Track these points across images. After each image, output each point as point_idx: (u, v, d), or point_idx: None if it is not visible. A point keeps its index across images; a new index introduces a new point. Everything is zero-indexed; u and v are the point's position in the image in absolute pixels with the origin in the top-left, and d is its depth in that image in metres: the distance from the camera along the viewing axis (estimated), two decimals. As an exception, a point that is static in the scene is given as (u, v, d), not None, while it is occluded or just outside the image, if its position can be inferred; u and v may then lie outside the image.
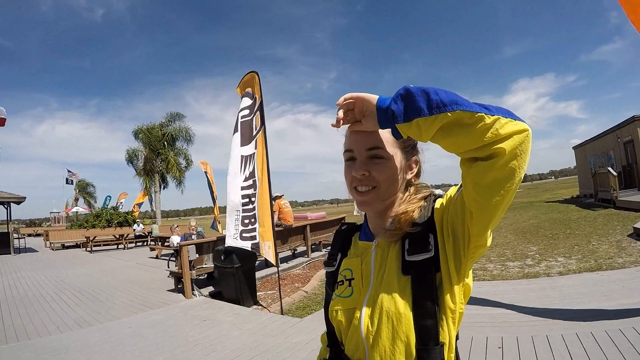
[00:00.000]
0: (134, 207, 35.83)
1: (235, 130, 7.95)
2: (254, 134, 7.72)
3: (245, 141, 7.81)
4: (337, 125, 1.07)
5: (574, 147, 33.93)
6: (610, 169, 19.21)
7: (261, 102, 7.68)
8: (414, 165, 1.23)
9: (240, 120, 7.95)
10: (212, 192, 17.61)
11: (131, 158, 36.30)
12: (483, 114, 0.82)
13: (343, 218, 16.47)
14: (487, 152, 0.84)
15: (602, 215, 15.63)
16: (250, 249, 7.38)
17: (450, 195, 1.08)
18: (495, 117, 0.82)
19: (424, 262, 1.05)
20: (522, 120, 0.84)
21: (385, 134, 1.12)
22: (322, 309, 1.39)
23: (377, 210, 1.21)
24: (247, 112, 7.91)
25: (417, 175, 1.26)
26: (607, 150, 25.64)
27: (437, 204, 1.12)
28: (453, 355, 1.09)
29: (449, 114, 0.84)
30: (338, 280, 1.25)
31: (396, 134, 0.99)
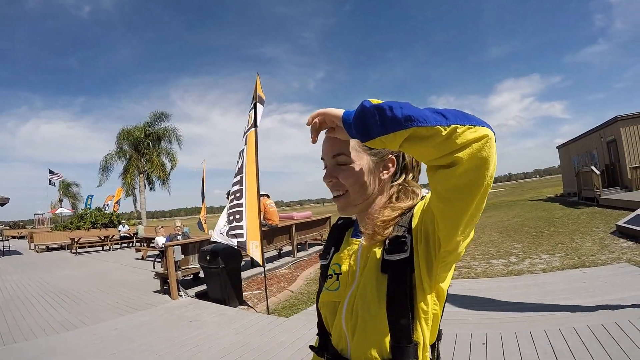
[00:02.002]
0: (114, 205, 35.60)
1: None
2: (246, 130, 7.65)
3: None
4: (313, 141, 1.13)
5: (558, 147, 34.21)
6: (593, 167, 19.47)
7: (259, 101, 7.56)
8: (390, 165, 1.22)
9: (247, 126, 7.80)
10: (203, 192, 17.56)
11: (107, 165, 35.87)
12: (438, 127, 0.81)
13: (329, 217, 16.50)
14: (447, 160, 0.83)
15: (585, 213, 15.83)
16: (236, 247, 7.35)
17: (427, 199, 1.08)
18: (452, 126, 0.80)
19: (400, 262, 1.07)
20: (484, 125, 0.82)
21: (347, 140, 1.15)
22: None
23: (356, 213, 1.26)
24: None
25: (406, 173, 1.25)
26: (590, 149, 25.89)
27: (417, 207, 1.14)
28: (428, 354, 1.11)
29: (405, 131, 0.84)
30: (328, 274, 1.30)
31: (364, 146, 1.02)
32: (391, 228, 1.13)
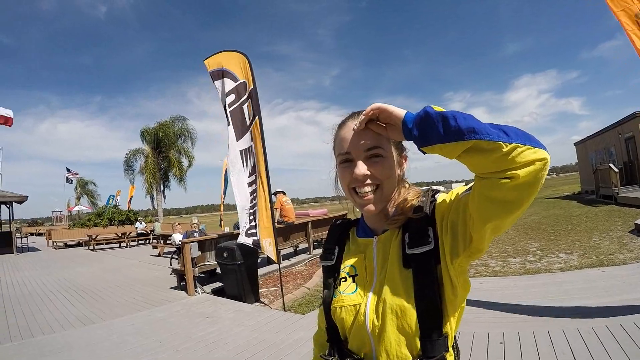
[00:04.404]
0: (128, 202, 35.94)
1: (228, 123, 7.62)
2: (248, 124, 7.35)
3: (239, 134, 7.54)
4: (359, 127, 1.10)
5: (575, 144, 33.85)
6: (611, 165, 19.19)
7: (253, 89, 7.19)
8: (403, 161, 1.24)
9: (229, 109, 7.55)
10: (225, 190, 17.67)
11: (129, 162, 36.31)
12: (500, 142, 0.83)
13: (345, 215, 16.45)
14: (502, 175, 0.85)
15: (603, 211, 15.63)
16: (252, 246, 7.35)
17: (457, 193, 1.09)
18: (513, 145, 0.82)
19: (424, 255, 1.06)
20: (542, 147, 0.84)
21: (380, 133, 1.13)
22: None
23: (381, 209, 1.20)
24: (233, 97, 7.46)
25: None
26: (608, 146, 25.57)
27: (440, 199, 1.14)
28: (452, 345, 1.11)
29: (466, 142, 0.86)
30: (340, 277, 1.25)
31: (420, 151, 1.00)
32: (413, 210, 1.15)
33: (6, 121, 21.84)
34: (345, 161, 1.18)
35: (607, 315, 4.76)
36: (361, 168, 1.13)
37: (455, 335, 1.15)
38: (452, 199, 1.09)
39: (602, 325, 4.39)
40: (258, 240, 7.15)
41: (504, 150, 0.82)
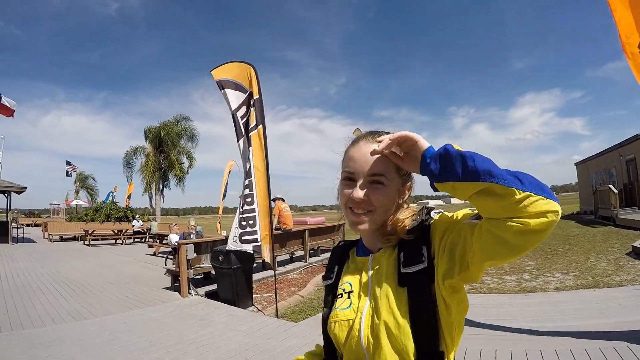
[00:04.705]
0: (126, 200, 35.94)
1: (240, 136, 7.61)
2: (249, 129, 7.35)
3: (240, 136, 7.58)
4: (374, 153, 1.09)
5: (576, 163, 33.93)
6: (611, 186, 19.22)
7: (258, 99, 7.30)
8: (406, 191, 1.25)
9: (241, 122, 7.57)
10: (225, 192, 17.68)
11: (129, 159, 36.44)
12: (514, 189, 0.84)
13: (343, 225, 16.46)
14: (514, 222, 0.86)
15: (601, 232, 15.64)
16: (251, 252, 7.30)
17: (458, 217, 1.09)
18: (527, 193, 0.83)
19: (418, 274, 1.07)
20: (555, 199, 0.85)
21: (389, 161, 1.14)
22: (317, 314, 1.40)
23: (370, 231, 1.23)
24: (244, 110, 7.52)
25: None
26: (609, 167, 25.63)
27: (438, 217, 1.15)
28: None
29: (481, 184, 0.88)
30: (337, 294, 1.26)
31: (433, 187, 1.02)
32: (406, 231, 1.16)
33: (8, 112, 21.81)
34: (349, 179, 1.19)
35: (601, 337, 4.76)
36: (359, 192, 1.14)
37: (454, 356, 1.14)
38: (455, 220, 1.09)
39: (595, 347, 4.39)
40: (259, 245, 7.10)
41: (516, 197, 0.84)
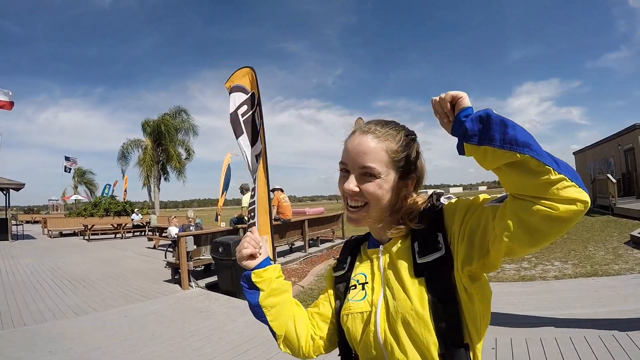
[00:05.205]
0: (123, 193, 35.95)
1: (241, 133, 7.61)
2: (258, 129, 7.47)
3: (253, 141, 7.62)
4: (439, 100, 0.98)
5: (574, 153, 33.96)
6: (609, 175, 19.26)
7: (259, 98, 7.42)
8: (410, 183, 1.19)
9: (242, 119, 7.63)
10: (227, 184, 17.63)
11: (125, 152, 36.39)
12: (551, 168, 0.79)
13: (341, 214, 16.45)
14: (540, 202, 0.81)
15: (600, 221, 15.69)
16: None
17: (478, 201, 1.03)
18: (562, 176, 0.79)
19: (436, 262, 1.03)
20: (586, 190, 0.80)
21: (382, 152, 1.11)
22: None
23: (368, 225, 1.22)
24: (245, 108, 7.58)
25: (417, 186, 1.22)
26: (607, 157, 25.67)
27: (453, 202, 1.10)
28: (480, 355, 1.06)
29: (518, 155, 0.82)
30: (350, 285, 1.23)
31: (460, 149, 0.95)
32: (415, 218, 1.12)
33: (5, 105, 21.64)
34: (344, 170, 1.17)
35: (600, 325, 4.78)
36: (351, 183, 1.13)
37: (481, 349, 1.08)
38: (475, 204, 1.03)
39: (595, 335, 4.41)
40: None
41: (551, 178, 0.79)
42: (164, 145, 35.36)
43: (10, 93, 21.55)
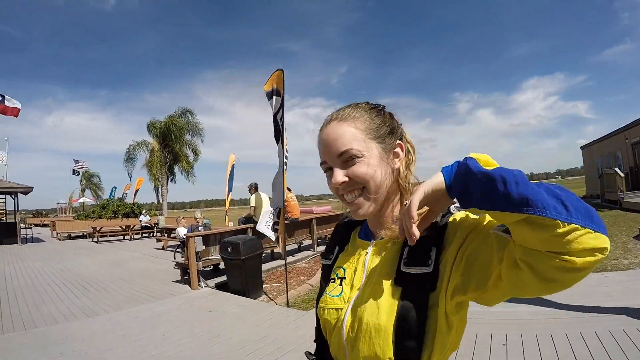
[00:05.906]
0: (134, 195, 36.11)
1: (282, 138, 7.66)
2: (281, 128, 7.67)
3: (281, 140, 7.75)
4: (413, 241, 0.89)
5: (581, 147, 33.78)
6: (617, 170, 19.13)
7: (283, 100, 7.59)
8: (399, 151, 1.10)
9: (280, 123, 7.69)
10: (230, 185, 17.72)
11: (131, 154, 36.49)
12: (558, 222, 0.68)
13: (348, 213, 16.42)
14: (555, 256, 0.71)
15: (608, 216, 15.57)
16: (273, 240, 7.90)
17: (483, 224, 0.93)
18: (572, 225, 0.68)
19: (419, 277, 0.95)
20: (603, 230, 0.70)
21: (352, 130, 1.05)
22: None
23: (375, 211, 1.09)
24: (280, 112, 7.69)
25: (408, 164, 1.12)
26: (614, 151, 25.52)
27: (459, 217, 1.00)
28: None
29: (516, 215, 0.72)
30: (330, 277, 1.19)
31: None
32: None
33: (13, 112, 21.86)
34: (327, 169, 1.11)
35: (610, 320, 4.77)
36: (337, 177, 1.04)
37: None
38: (480, 225, 0.94)
39: (606, 330, 4.39)
40: (278, 236, 7.67)
41: (560, 231, 0.68)
42: (170, 147, 35.46)
43: (19, 103, 21.89)
